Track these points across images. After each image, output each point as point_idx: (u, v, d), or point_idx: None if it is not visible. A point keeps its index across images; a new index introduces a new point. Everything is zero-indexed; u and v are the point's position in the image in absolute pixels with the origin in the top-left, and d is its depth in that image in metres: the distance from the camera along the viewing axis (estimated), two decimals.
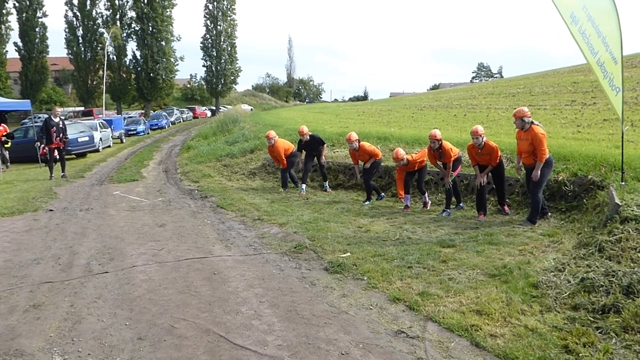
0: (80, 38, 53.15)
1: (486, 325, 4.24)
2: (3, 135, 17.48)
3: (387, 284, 5.37)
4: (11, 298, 5.38)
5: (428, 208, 9.40)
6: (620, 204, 6.11)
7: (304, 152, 12.15)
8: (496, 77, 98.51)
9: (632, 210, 5.85)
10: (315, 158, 12.08)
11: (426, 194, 9.57)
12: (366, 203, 10.05)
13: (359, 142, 10.53)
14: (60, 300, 5.29)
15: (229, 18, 63.24)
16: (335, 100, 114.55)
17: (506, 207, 8.56)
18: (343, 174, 12.44)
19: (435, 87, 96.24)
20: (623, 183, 7.05)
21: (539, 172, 7.46)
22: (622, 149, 7.42)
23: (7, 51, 50.18)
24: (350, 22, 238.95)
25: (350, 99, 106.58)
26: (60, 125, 15.23)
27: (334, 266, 5.99)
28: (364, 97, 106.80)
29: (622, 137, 7.49)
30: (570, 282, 4.90)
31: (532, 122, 7.68)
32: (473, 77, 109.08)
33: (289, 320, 4.59)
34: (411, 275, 5.56)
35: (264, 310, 4.86)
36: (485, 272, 5.52)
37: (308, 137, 11.94)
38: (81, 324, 4.66)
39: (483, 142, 8.20)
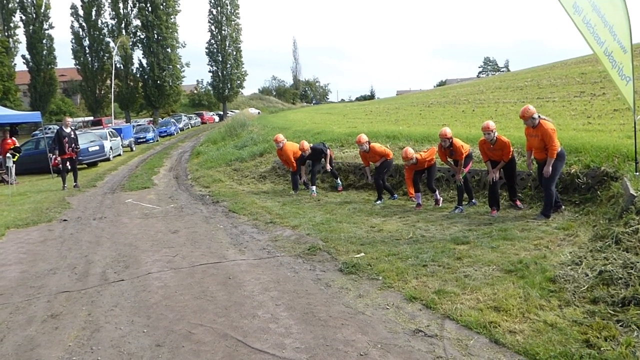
0: (87, 48, 53.67)
1: (504, 322, 4.21)
2: (10, 149, 17.63)
3: (402, 283, 5.35)
4: (29, 308, 5.42)
5: (440, 205, 9.36)
6: (635, 194, 6.04)
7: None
8: (503, 71, 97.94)
9: None
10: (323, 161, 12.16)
11: (437, 192, 9.53)
12: (378, 202, 10.03)
13: (369, 144, 10.52)
14: (77, 309, 5.33)
15: (233, 22, 63.48)
16: (342, 100, 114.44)
17: (518, 202, 8.50)
18: (353, 174, 12.42)
19: (441, 84, 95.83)
20: (637, 173, 6.97)
21: (551, 167, 7.42)
22: (635, 139, 7.32)
23: (15, 64, 50.66)
24: (353, 22, 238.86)
25: (357, 99, 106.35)
26: (72, 136, 15.38)
27: (349, 267, 5.98)
28: (371, 96, 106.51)
29: (635, 127, 7.40)
30: (588, 275, 4.86)
31: (540, 117, 7.62)
32: (480, 72, 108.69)
33: (306, 323, 4.59)
34: (426, 274, 5.53)
35: (281, 313, 4.86)
36: (501, 268, 5.48)
37: (310, 150, 12.05)
38: (99, 333, 4.69)
39: (495, 138, 8.16)
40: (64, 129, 15.32)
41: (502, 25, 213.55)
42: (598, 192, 7.65)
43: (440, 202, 9.45)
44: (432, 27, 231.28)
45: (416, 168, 9.51)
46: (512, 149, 8.34)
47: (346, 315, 4.71)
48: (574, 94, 20.26)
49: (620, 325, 3.95)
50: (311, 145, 12.26)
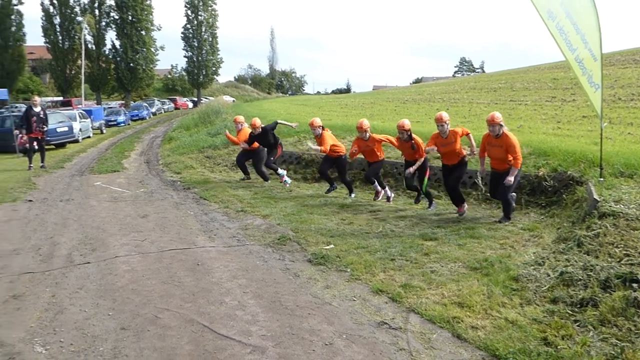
0: (57, 26, 51.89)
1: (467, 317, 4.31)
2: None
3: (370, 275, 5.42)
4: None
5: (379, 199, 9.45)
6: (598, 199, 6.22)
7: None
8: (478, 72, 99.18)
9: (610, 206, 5.96)
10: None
11: (376, 184, 9.48)
12: (352, 196, 10.07)
13: (322, 128, 10.13)
14: (41, 290, 5.24)
15: (209, 8, 62.64)
16: (318, 92, 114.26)
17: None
18: None
19: (417, 81, 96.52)
20: (601, 179, 7.17)
21: (513, 177, 7.24)
22: (601, 146, 7.54)
23: None
24: (332, 15, 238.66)
25: (333, 92, 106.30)
26: (41, 115, 15.02)
27: (318, 258, 6.03)
28: (347, 90, 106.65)
29: (601, 134, 7.61)
30: (549, 275, 5.00)
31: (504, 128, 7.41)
32: (455, 72, 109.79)
33: (273, 311, 4.62)
34: (394, 268, 5.61)
35: (248, 300, 4.88)
36: (467, 265, 5.59)
37: (260, 129, 11.44)
38: (63, 315, 4.63)
39: (448, 130, 7.99)
40: (33, 108, 14.96)
41: (479, 27, 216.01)
42: (564, 195, 7.84)
43: (380, 196, 9.48)
44: (411, 24, 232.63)
45: (365, 146, 9.37)
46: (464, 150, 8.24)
47: (313, 305, 4.75)
48: (545, 99, 20.71)
49: (578, 325, 4.09)
50: (262, 125, 11.57)
